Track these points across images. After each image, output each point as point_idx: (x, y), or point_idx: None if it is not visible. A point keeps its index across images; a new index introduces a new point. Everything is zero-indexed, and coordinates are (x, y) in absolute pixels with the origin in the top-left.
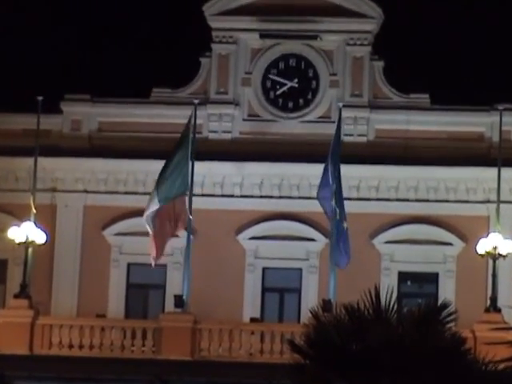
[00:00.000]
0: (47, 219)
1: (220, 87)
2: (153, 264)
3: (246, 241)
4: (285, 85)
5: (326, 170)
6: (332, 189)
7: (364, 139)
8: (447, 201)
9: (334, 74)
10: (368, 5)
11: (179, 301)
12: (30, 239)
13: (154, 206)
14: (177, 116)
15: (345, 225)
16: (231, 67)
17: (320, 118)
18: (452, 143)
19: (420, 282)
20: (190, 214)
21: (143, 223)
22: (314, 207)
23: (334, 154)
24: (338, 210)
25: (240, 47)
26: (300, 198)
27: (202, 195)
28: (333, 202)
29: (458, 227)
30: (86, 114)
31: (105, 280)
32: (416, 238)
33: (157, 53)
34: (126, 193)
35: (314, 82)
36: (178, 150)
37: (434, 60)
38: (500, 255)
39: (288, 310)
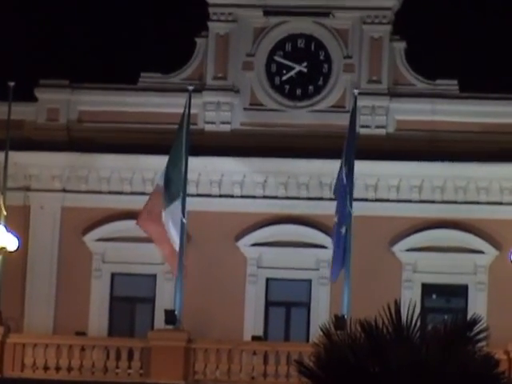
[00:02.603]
0: (19, 222)
1: (218, 72)
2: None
3: (248, 248)
4: (292, 69)
5: (342, 166)
6: (347, 188)
7: (383, 131)
8: (478, 202)
9: (349, 57)
10: None
11: (171, 316)
12: (0, 245)
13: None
14: (168, 105)
15: (343, 230)
16: (231, 49)
17: (332, 107)
18: (484, 136)
19: (447, 296)
20: (184, 216)
21: (129, 227)
22: (324, 209)
23: (348, 148)
24: (337, 213)
25: (241, 26)
26: (309, 198)
27: (197, 195)
28: (347, 203)
29: (491, 233)
30: (64, 102)
31: (85, 292)
32: (442, 246)
33: (145, 32)
34: (110, 192)
35: (325, 66)
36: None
37: (463, 41)
38: None
39: (295, 327)
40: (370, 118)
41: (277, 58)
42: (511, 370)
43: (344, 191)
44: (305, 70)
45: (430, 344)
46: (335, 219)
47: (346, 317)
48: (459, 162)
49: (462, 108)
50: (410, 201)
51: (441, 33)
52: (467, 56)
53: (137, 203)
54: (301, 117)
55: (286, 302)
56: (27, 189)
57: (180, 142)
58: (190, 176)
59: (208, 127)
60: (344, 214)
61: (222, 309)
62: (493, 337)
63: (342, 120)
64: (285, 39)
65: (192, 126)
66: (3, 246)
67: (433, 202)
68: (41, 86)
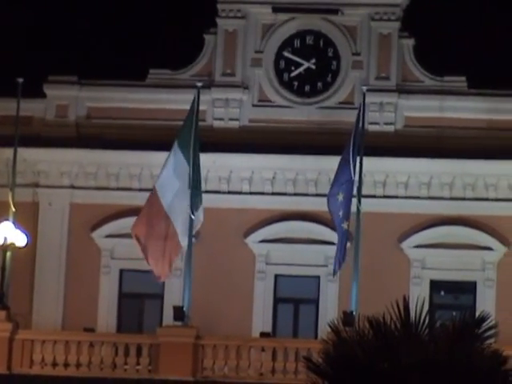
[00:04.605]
0: (28, 219)
1: (226, 68)
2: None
3: (256, 244)
4: (301, 65)
5: (341, 163)
6: (355, 184)
7: (391, 128)
8: (487, 199)
9: (357, 54)
10: None
11: (179, 313)
12: (9, 241)
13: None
14: (177, 101)
15: (344, 225)
16: (239, 45)
17: (341, 103)
18: (492, 133)
19: (455, 293)
20: (192, 213)
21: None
22: None
23: (354, 144)
24: (341, 209)
25: (249, 22)
26: (318, 195)
27: (206, 192)
28: (355, 199)
29: (499, 229)
30: (72, 99)
31: (94, 289)
32: (451, 242)
33: (154, 29)
34: (119, 189)
35: (334, 63)
36: (179, 141)
37: (472, 38)
38: None
39: (304, 324)
40: (378, 114)
41: (285, 55)
42: None
43: (351, 187)
44: (313, 66)
45: (439, 341)
46: (340, 214)
47: (354, 313)
48: (468, 158)
49: (471, 104)
50: (418, 197)
51: (449, 29)
52: (475, 52)
53: (145, 199)
54: (309, 113)
55: (295, 299)
56: (36, 185)
57: (184, 139)
58: None
59: (216, 124)
60: (347, 209)
61: (230, 305)
62: (501, 334)
63: (351, 116)
64: (293, 36)
65: (201, 123)
66: (12, 242)
67: (441, 198)
68: (50, 82)
